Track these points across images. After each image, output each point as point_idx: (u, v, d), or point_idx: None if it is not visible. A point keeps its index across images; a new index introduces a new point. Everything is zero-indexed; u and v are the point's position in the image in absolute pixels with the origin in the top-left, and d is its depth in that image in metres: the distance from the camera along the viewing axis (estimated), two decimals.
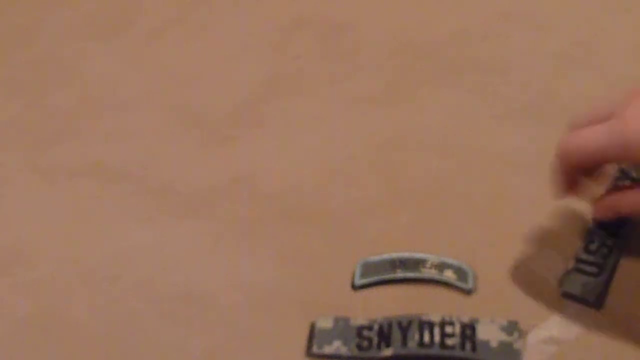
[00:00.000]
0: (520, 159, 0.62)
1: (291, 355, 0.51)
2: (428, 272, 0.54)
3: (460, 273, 0.54)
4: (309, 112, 0.70)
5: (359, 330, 0.51)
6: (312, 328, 0.52)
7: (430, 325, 0.50)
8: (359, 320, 0.52)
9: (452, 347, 0.50)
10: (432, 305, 0.53)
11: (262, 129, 0.69)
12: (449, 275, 0.54)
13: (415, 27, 0.77)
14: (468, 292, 0.53)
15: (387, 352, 0.50)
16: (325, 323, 0.52)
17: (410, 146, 0.65)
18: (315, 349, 0.51)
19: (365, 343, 0.51)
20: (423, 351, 0.50)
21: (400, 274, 0.55)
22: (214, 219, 0.62)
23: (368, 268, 0.55)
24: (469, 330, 0.50)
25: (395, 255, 0.56)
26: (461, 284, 0.53)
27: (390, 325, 0.51)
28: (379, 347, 0.50)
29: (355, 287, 0.55)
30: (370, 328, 0.51)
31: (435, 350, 0.50)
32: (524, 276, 0.54)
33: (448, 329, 0.50)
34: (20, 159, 0.69)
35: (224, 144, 0.68)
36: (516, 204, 0.58)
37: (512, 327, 0.50)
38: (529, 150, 0.63)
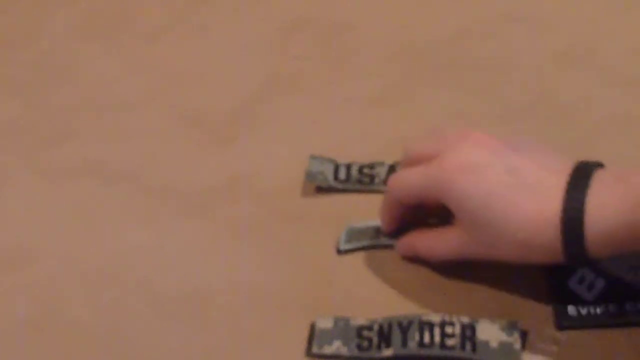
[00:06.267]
0: None
1: (291, 355, 0.51)
2: None
3: None
4: (309, 112, 0.70)
5: (359, 330, 0.51)
6: (312, 328, 0.52)
7: (431, 326, 0.50)
8: (359, 320, 0.52)
9: (452, 348, 0.50)
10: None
11: (262, 129, 0.69)
12: None
13: (415, 27, 0.77)
14: None
15: (387, 352, 0.50)
16: (325, 323, 0.52)
17: None
18: (315, 349, 0.51)
19: (365, 343, 0.51)
20: (423, 352, 0.50)
21: (384, 240, 0.56)
22: (214, 219, 0.62)
23: (353, 234, 0.57)
24: (469, 331, 0.50)
25: (380, 222, 0.57)
26: None
27: (390, 326, 0.51)
28: (379, 347, 0.50)
29: (340, 252, 0.57)
30: (370, 328, 0.51)
31: (436, 351, 0.50)
32: (524, 276, 0.54)
33: (448, 330, 0.50)
34: (20, 159, 0.69)
35: (223, 144, 0.68)
36: None
37: (512, 328, 0.50)
38: None
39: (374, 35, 0.77)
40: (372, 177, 0.61)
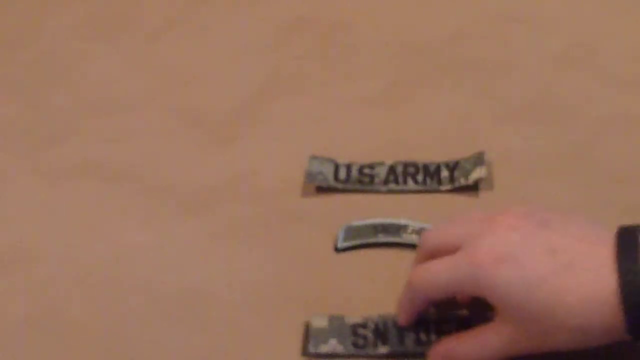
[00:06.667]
0: (520, 159, 0.62)
1: (290, 354, 0.51)
2: (409, 238, 0.56)
3: None
4: (309, 112, 0.70)
5: (354, 328, 0.52)
6: (308, 327, 0.52)
7: (426, 323, 0.51)
8: (354, 318, 0.52)
9: None
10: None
11: (262, 129, 0.69)
12: None
13: (415, 27, 0.77)
14: None
15: (384, 349, 0.50)
16: (320, 322, 0.52)
17: (410, 146, 0.65)
18: (311, 349, 0.51)
19: (361, 341, 0.51)
20: (420, 349, 0.50)
21: (382, 238, 0.56)
22: (214, 219, 0.62)
23: (351, 232, 0.57)
24: (464, 329, 0.50)
25: (378, 220, 0.57)
26: None
27: (385, 323, 0.51)
28: (375, 345, 0.51)
29: (338, 250, 0.57)
30: (365, 326, 0.52)
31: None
32: None
33: (444, 327, 0.50)
34: (20, 159, 0.69)
35: (224, 144, 0.68)
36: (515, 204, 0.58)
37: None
38: (528, 151, 0.63)
39: (374, 35, 0.77)
40: (372, 177, 0.61)
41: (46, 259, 0.60)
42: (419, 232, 0.56)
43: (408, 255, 0.55)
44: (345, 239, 0.57)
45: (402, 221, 0.57)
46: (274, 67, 0.75)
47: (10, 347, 0.54)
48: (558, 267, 0.43)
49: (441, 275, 0.47)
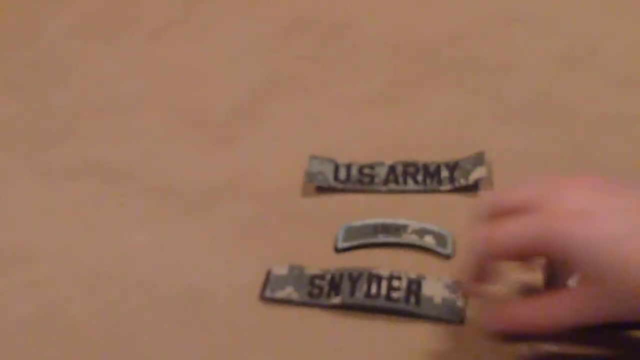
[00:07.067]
0: (520, 159, 0.62)
1: (291, 354, 0.51)
2: (409, 238, 0.56)
3: (440, 238, 0.56)
4: (309, 112, 0.70)
5: (312, 278, 0.54)
6: (268, 274, 0.55)
7: (379, 279, 0.53)
8: (313, 269, 0.54)
9: (397, 300, 0.51)
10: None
11: (262, 129, 0.69)
12: (428, 240, 0.56)
13: (415, 27, 0.77)
14: (447, 257, 0.55)
15: (336, 300, 0.52)
16: (280, 270, 0.55)
17: (410, 146, 0.65)
18: (267, 293, 0.54)
19: (316, 291, 0.53)
20: (369, 302, 0.52)
21: (382, 238, 0.57)
22: (214, 219, 0.62)
23: (351, 232, 0.57)
24: (414, 286, 0.52)
25: (378, 220, 0.58)
26: (440, 249, 0.55)
27: (341, 276, 0.53)
28: (328, 295, 0.53)
29: (337, 251, 0.57)
30: (322, 277, 0.54)
31: (381, 302, 0.52)
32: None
33: (395, 283, 0.52)
34: (20, 159, 0.69)
35: (224, 144, 0.68)
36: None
37: (456, 286, 0.52)
38: (529, 151, 0.63)
39: (374, 35, 0.77)
40: (372, 177, 0.61)
41: (46, 259, 0.60)
42: (419, 232, 0.56)
43: (408, 255, 0.56)
44: (345, 239, 0.57)
45: (402, 221, 0.57)
46: (274, 67, 0.75)
47: (10, 347, 0.54)
48: (638, 227, 0.41)
49: (519, 233, 0.44)
